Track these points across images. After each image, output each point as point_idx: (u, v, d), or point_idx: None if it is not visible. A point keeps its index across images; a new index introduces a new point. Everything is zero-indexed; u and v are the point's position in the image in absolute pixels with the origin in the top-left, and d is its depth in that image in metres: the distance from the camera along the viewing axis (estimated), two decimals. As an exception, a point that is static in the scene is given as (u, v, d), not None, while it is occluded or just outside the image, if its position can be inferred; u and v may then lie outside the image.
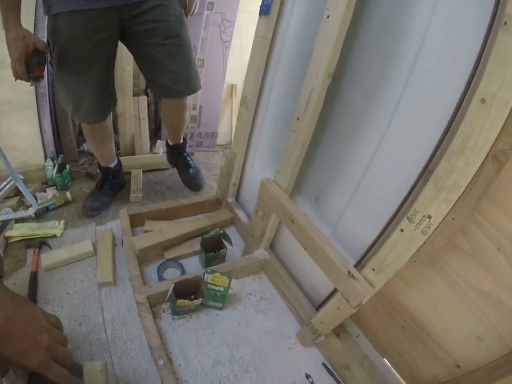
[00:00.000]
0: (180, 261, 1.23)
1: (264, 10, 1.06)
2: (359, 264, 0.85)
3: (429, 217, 0.60)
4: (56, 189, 1.53)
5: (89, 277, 1.12)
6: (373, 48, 0.77)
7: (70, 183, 1.60)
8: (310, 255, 0.92)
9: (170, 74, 1.23)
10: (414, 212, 0.62)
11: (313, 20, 0.90)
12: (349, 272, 0.78)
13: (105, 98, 1.23)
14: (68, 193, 1.46)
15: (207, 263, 1.18)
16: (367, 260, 0.80)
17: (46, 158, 1.59)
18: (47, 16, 1.08)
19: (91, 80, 1.14)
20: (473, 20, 0.56)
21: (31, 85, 1.05)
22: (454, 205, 0.58)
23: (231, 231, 1.41)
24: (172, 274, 1.19)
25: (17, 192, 1.40)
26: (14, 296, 0.53)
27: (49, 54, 1.07)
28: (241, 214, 1.43)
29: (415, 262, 0.69)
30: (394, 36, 0.71)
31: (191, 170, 1.65)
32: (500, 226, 0.61)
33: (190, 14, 1.27)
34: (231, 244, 1.25)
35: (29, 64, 0.99)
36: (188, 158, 1.68)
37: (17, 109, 1.46)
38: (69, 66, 1.09)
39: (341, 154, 0.91)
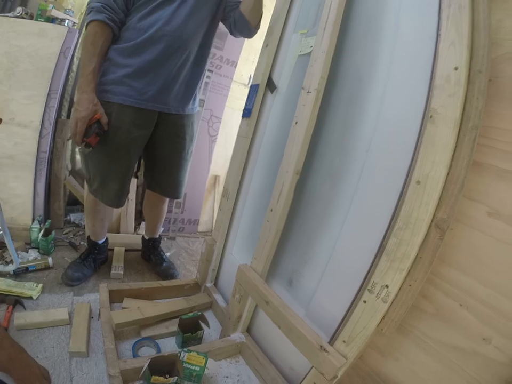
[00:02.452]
0: (156, 340, 1.34)
1: (246, 113, 1.50)
2: (332, 339, 1.03)
3: (387, 286, 0.84)
4: (39, 252, 1.70)
5: (62, 345, 1.20)
6: (334, 147, 1.15)
7: (53, 249, 1.78)
8: (285, 334, 1.10)
9: (170, 179, 1.66)
10: (373, 283, 0.87)
11: (285, 124, 1.31)
12: (321, 346, 0.97)
13: (127, 186, 1.56)
14: (49, 259, 1.62)
15: (184, 344, 1.31)
16: (338, 333, 1.00)
17: (33, 220, 1.79)
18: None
19: (121, 167, 1.47)
20: (409, 118, 0.91)
21: (79, 148, 1.33)
22: (408, 273, 0.82)
23: (208, 316, 1.54)
24: (147, 353, 1.29)
25: (-2, 246, 1.57)
26: (14, 341, 0.68)
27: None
28: (219, 299, 1.61)
29: (382, 330, 0.89)
30: (349, 137, 1.10)
31: (164, 264, 1.89)
32: (457, 284, 0.82)
33: None
34: (208, 326, 1.40)
35: (88, 129, 1.28)
36: (162, 253, 1.96)
37: (17, 166, 1.74)
38: (106, 150, 1.40)
39: (309, 240, 1.20)
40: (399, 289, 0.86)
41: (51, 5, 1.79)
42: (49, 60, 1.74)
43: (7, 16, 1.70)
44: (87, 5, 1.32)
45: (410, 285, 0.86)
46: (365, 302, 0.91)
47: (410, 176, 0.87)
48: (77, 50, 1.95)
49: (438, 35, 0.84)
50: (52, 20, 1.79)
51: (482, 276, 0.81)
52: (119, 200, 1.55)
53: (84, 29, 1.33)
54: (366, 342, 0.92)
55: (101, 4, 1.26)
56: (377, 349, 1.01)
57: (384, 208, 0.95)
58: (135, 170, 2.36)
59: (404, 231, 0.84)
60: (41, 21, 1.77)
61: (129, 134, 1.40)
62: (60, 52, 1.76)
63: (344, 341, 0.95)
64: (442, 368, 0.85)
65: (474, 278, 0.82)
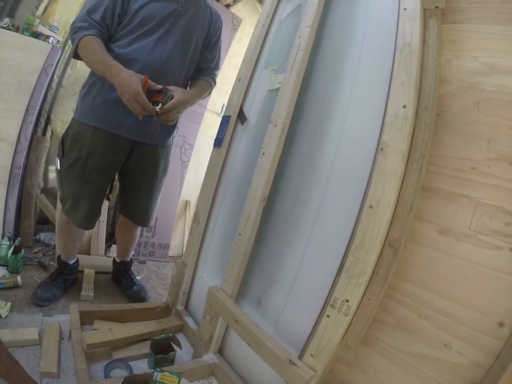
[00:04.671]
0: (128, 362, 1.40)
1: (217, 143, 1.68)
2: (301, 354, 1.15)
3: (347, 301, 0.99)
4: (7, 270, 1.76)
5: (32, 365, 1.24)
6: (298, 175, 1.34)
7: (22, 268, 1.83)
8: (255, 351, 1.22)
9: (141, 207, 1.81)
10: (335, 299, 1.02)
11: (254, 154, 1.49)
12: (290, 360, 1.09)
13: (98, 209, 1.68)
14: (18, 277, 1.68)
15: (156, 366, 1.37)
16: (306, 348, 1.12)
17: (3, 236, 1.86)
18: (74, 117, 1.53)
19: (93, 190, 1.58)
20: (364, 149, 1.10)
21: (156, 114, 1.39)
22: (366, 288, 0.97)
23: (180, 338, 1.60)
24: (119, 374, 1.33)
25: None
26: (10, 354, 0.77)
27: (61, 152, 1.51)
28: (190, 321, 1.70)
29: (347, 342, 1.03)
30: (312, 165, 1.29)
31: (135, 287, 1.99)
32: (414, 296, 0.99)
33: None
34: (180, 347, 1.48)
35: (148, 94, 1.34)
36: (132, 276, 2.06)
37: (-11, 180, 1.80)
38: (80, 172, 1.51)
39: (276, 261, 1.35)
40: (359, 303, 1.01)
41: (38, 20, 1.92)
42: (31, 75, 1.87)
43: (-6, 24, 1.81)
44: (72, 24, 1.44)
45: (369, 299, 1.01)
46: (328, 316, 1.05)
47: (364, 201, 1.05)
48: (57, 68, 2.10)
49: (391, 76, 1.04)
50: (37, 35, 1.93)
51: (437, 287, 0.98)
52: (89, 222, 1.66)
53: (74, 48, 1.44)
54: (333, 354, 1.05)
55: (88, 23, 1.40)
56: (345, 362, 1.14)
57: (343, 230, 1.12)
58: (107, 192, 2.46)
59: (360, 250, 1.01)
60: (26, 35, 1.90)
61: (103, 158, 1.52)
62: (42, 69, 1.90)
63: (312, 355, 1.08)
64: (408, 376, 1.00)
65: (430, 290, 0.98)
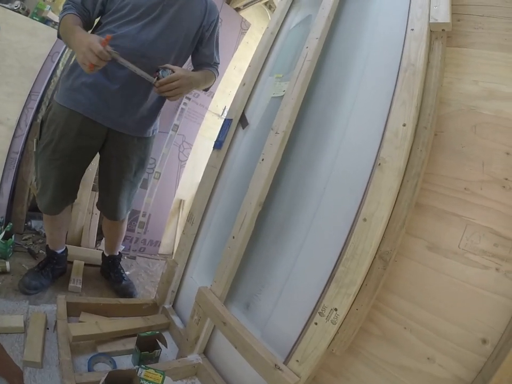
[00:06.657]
0: (112, 357, 1.41)
1: (217, 145, 1.71)
2: (286, 359, 1.17)
3: (335, 309, 1.02)
4: None
5: (15, 354, 1.24)
6: (295, 183, 1.38)
7: (11, 254, 1.84)
8: (241, 353, 1.24)
9: (110, 199, 1.79)
10: (323, 307, 1.05)
11: (253, 159, 1.52)
12: (275, 365, 1.11)
13: (66, 195, 1.67)
14: (7, 263, 1.69)
15: (140, 362, 1.39)
16: (292, 354, 1.15)
17: None
18: (53, 98, 1.55)
19: (62, 175, 1.57)
20: (362, 163, 1.14)
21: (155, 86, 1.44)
22: (355, 298, 1.01)
23: (165, 337, 1.64)
24: (103, 368, 1.35)
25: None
26: None
27: (39, 133, 1.52)
28: (177, 320, 1.72)
29: (333, 350, 1.06)
30: (309, 174, 1.32)
31: (124, 282, 2.01)
32: (400, 309, 1.02)
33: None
34: (166, 346, 1.50)
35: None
36: (121, 270, 2.07)
37: (-15, 164, 1.81)
38: (51, 154, 1.52)
39: (267, 267, 1.38)
40: (347, 312, 1.04)
41: (48, 6, 1.95)
42: (36, 61, 1.89)
43: (4, 6, 1.82)
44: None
45: (357, 309, 1.04)
46: (316, 323, 1.08)
47: (358, 213, 1.09)
48: (63, 56, 2.11)
49: (393, 94, 1.08)
50: (46, 21, 1.95)
51: (424, 302, 1.01)
52: (54, 207, 1.65)
53: (58, 27, 1.47)
54: (318, 361, 1.08)
55: (70, 4, 1.43)
56: (329, 370, 1.16)
57: (336, 240, 1.15)
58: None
59: (351, 261, 1.05)
60: (35, 19, 1.92)
61: (74, 143, 1.52)
62: (48, 55, 1.92)
63: (297, 360, 1.11)
64: (391, 386, 1.03)
65: (416, 304, 1.02)
